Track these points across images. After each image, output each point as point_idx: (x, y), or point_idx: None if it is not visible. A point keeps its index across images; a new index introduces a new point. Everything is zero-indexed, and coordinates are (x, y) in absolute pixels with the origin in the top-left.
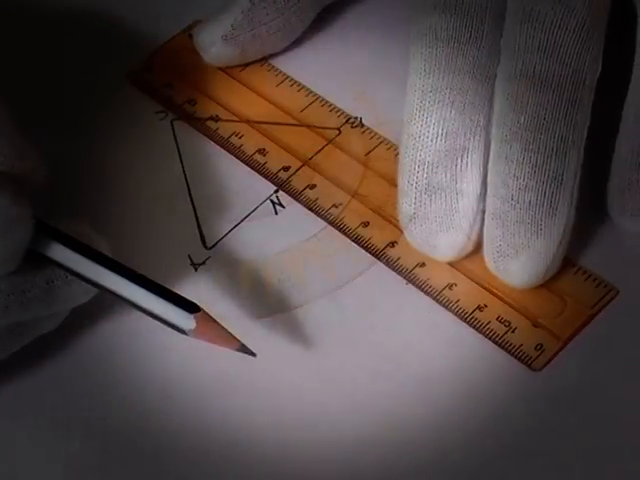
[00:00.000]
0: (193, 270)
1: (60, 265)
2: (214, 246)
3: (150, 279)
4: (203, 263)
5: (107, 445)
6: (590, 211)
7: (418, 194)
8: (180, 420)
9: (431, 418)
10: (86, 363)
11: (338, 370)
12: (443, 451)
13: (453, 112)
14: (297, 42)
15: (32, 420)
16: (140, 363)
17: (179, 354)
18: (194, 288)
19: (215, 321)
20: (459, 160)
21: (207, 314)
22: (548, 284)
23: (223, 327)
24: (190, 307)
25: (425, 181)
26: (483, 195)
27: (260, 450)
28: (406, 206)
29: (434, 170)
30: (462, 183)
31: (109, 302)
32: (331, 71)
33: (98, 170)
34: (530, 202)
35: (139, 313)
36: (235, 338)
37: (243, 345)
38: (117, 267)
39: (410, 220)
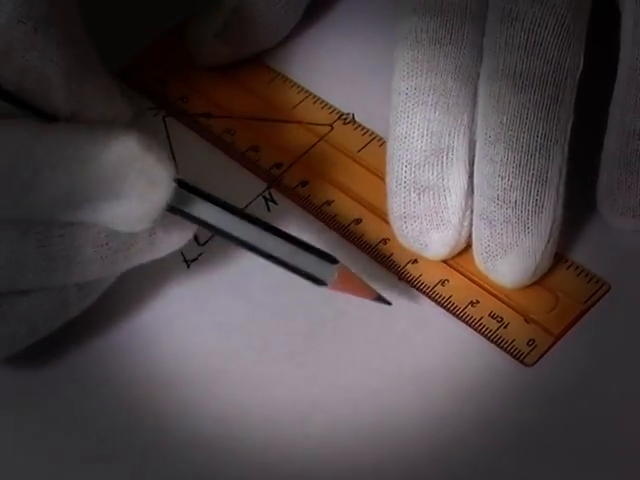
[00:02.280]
0: (185, 267)
1: (199, 221)
2: (207, 242)
3: (285, 231)
4: (196, 259)
5: (99, 439)
6: (581, 207)
7: (407, 193)
8: (173, 415)
9: (424, 413)
10: (83, 358)
11: (331, 365)
12: (436, 446)
13: (437, 113)
14: (289, 39)
15: (25, 413)
16: (134, 358)
17: (172, 349)
18: (187, 284)
19: (353, 273)
20: (444, 158)
21: (345, 266)
22: (540, 280)
23: (361, 279)
24: (330, 259)
25: (413, 180)
26: (471, 190)
27: (253, 445)
28: (396, 206)
29: (421, 169)
30: (449, 180)
31: (106, 299)
32: (323, 68)
33: None
34: (516, 201)
35: (134, 310)
36: (372, 289)
37: (380, 295)
38: (254, 220)
39: (400, 220)
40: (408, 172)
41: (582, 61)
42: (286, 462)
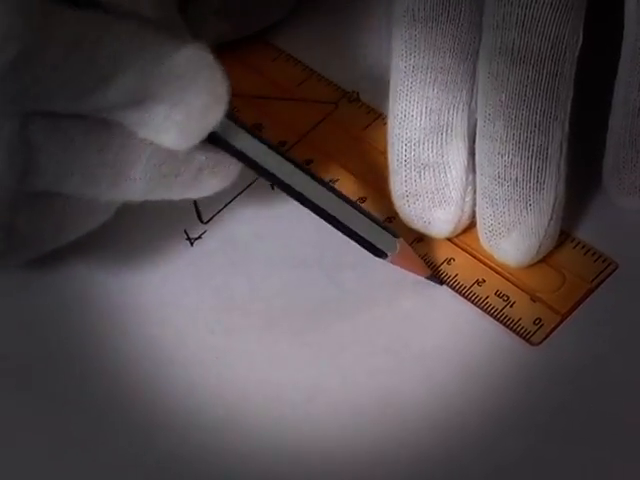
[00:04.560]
0: (189, 245)
1: (244, 157)
2: (210, 220)
3: (349, 198)
4: (199, 237)
5: (97, 418)
6: (588, 186)
7: (407, 172)
8: (173, 394)
9: (429, 393)
10: (79, 337)
11: (336, 346)
12: (441, 427)
13: (435, 90)
14: (293, 17)
15: (19, 390)
16: (134, 337)
17: (174, 327)
18: (190, 263)
19: (411, 249)
20: (444, 135)
21: (404, 241)
22: (547, 258)
23: (417, 255)
24: (393, 232)
25: (413, 159)
26: (471, 166)
27: (256, 426)
28: (397, 185)
29: (421, 147)
30: (448, 157)
31: (108, 276)
32: (328, 45)
33: None
34: (517, 179)
35: (136, 288)
36: (426, 266)
37: (433, 274)
38: (320, 180)
39: (402, 198)
40: (408, 150)
41: (581, 37)
42: (288, 443)
